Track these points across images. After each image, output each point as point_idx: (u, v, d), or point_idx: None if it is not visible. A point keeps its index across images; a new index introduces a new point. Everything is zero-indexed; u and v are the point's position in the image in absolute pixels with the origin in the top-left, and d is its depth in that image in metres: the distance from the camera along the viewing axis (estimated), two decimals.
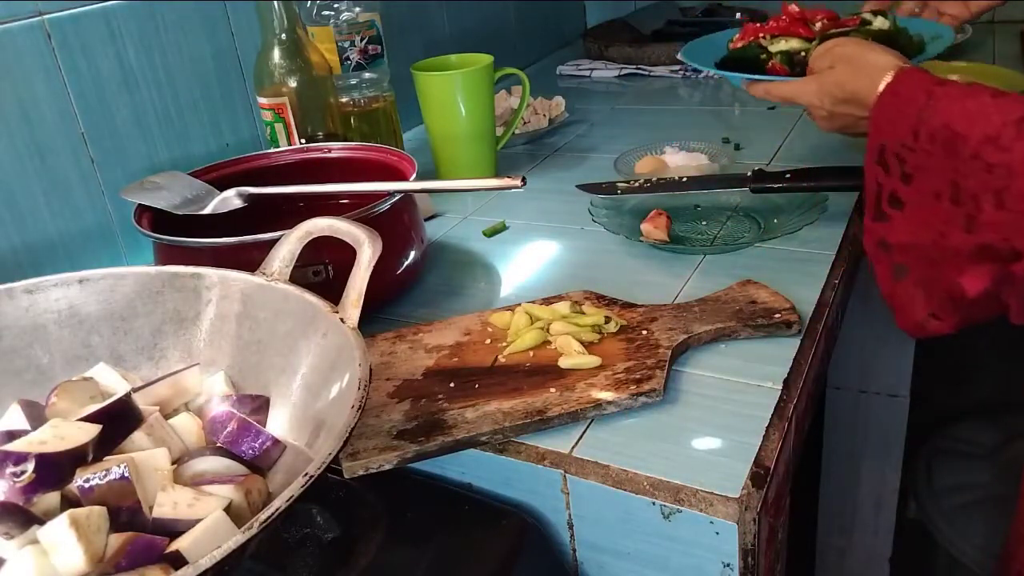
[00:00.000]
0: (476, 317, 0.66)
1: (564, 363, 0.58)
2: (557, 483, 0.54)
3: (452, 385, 0.58)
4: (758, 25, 0.82)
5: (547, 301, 0.67)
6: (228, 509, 0.43)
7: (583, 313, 0.64)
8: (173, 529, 0.42)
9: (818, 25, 0.79)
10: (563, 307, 0.64)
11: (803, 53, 0.77)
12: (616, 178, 0.90)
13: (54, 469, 0.43)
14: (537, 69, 1.52)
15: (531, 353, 0.60)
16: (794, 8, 0.80)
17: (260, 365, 0.55)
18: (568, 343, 0.60)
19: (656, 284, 0.73)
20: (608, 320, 0.62)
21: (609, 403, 0.54)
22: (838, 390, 1.22)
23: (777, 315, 0.62)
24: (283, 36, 0.85)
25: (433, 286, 0.77)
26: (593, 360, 0.58)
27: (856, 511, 1.32)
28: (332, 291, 0.53)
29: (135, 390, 0.51)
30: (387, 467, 0.51)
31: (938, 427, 1.28)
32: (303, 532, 0.52)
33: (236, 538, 0.35)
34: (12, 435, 0.47)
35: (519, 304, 0.67)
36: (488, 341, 0.63)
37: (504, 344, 0.62)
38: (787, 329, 0.62)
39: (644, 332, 0.61)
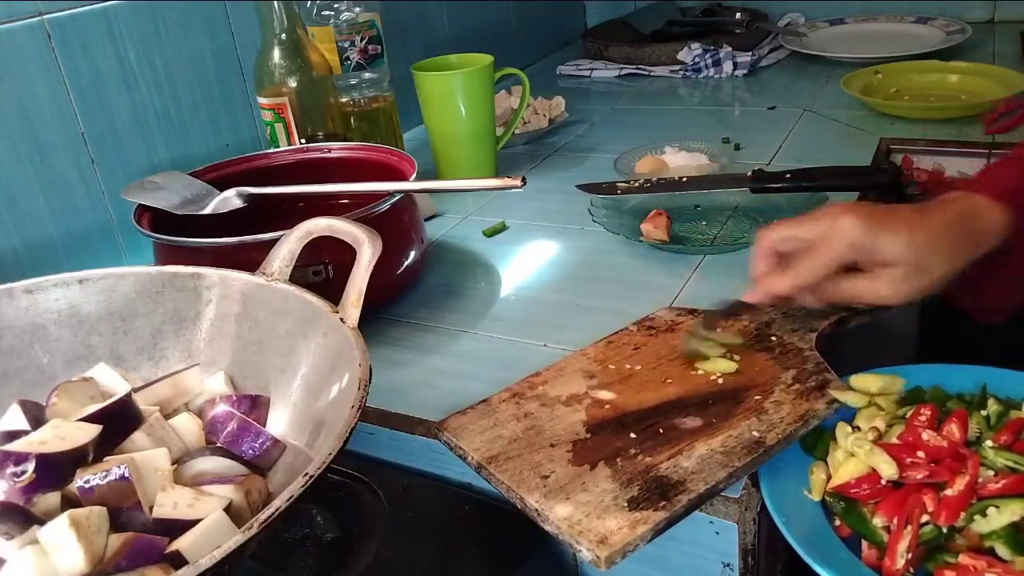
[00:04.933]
0: (579, 356, 0.61)
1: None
2: None
3: (633, 435, 0.52)
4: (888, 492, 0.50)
5: (640, 324, 0.64)
6: (228, 509, 0.43)
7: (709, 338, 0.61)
8: (173, 529, 0.42)
9: None
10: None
11: None
12: (616, 178, 0.90)
13: (54, 469, 0.43)
14: (537, 69, 1.52)
15: (668, 381, 0.57)
16: None
17: (260, 365, 0.55)
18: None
19: (656, 284, 0.73)
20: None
21: (814, 417, 0.52)
22: None
23: None
24: (283, 36, 0.85)
25: (433, 286, 0.77)
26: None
27: None
28: (332, 291, 0.53)
29: (135, 390, 0.51)
30: (643, 545, 0.45)
31: None
32: (303, 532, 0.52)
33: (236, 538, 0.35)
34: (12, 435, 0.47)
35: (610, 339, 0.63)
36: (619, 379, 0.58)
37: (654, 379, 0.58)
38: (887, 310, 0.61)
39: (773, 338, 0.60)
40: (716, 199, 0.85)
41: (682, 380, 0.57)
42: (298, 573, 0.50)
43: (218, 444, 0.50)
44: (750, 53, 1.34)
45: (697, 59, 1.35)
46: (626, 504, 0.47)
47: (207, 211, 0.71)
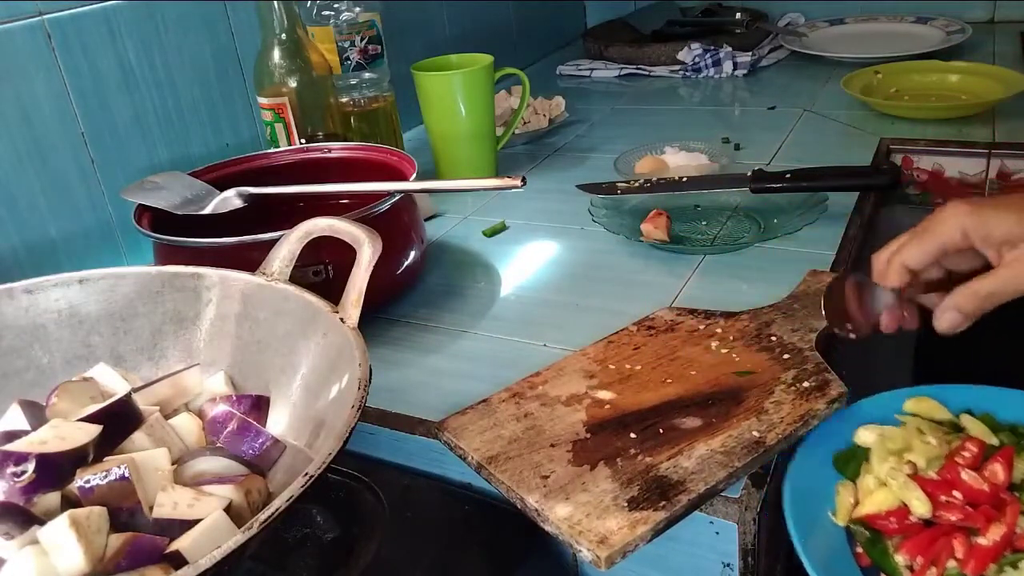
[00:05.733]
0: (579, 356, 0.61)
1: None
2: None
3: (633, 436, 0.52)
4: (918, 529, 0.47)
5: (640, 324, 0.64)
6: (228, 509, 0.43)
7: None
8: (173, 529, 0.42)
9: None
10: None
11: None
12: (616, 178, 0.90)
13: (54, 469, 0.43)
14: (537, 69, 1.52)
15: (668, 382, 0.57)
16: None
17: (260, 365, 0.55)
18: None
19: (656, 284, 0.73)
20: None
21: (814, 418, 0.52)
22: None
23: None
24: (283, 36, 0.85)
25: (433, 286, 0.77)
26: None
27: None
28: (332, 291, 0.53)
29: (135, 390, 0.51)
30: (643, 545, 0.45)
31: None
32: (303, 532, 0.52)
33: (236, 538, 0.35)
34: (12, 435, 0.47)
35: (610, 339, 0.63)
36: (619, 379, 0.58)
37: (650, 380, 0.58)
38: None
39: (773, 338, 0.60)
40: (716, 199, 0.85)
41: (682, 380, 0.57)
42: (298, 573, 0.50)
43: (218, 444, 0.50)
44: (750, 53, 1.34)
45: (697, 59, 1.35)
46: (626, 504, 0.47)
47: (207, 211, 0.71)
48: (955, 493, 0.46)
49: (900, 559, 0.45)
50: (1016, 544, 0.43)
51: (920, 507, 0.46)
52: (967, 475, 0.46)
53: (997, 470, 0.47)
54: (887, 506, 0.47)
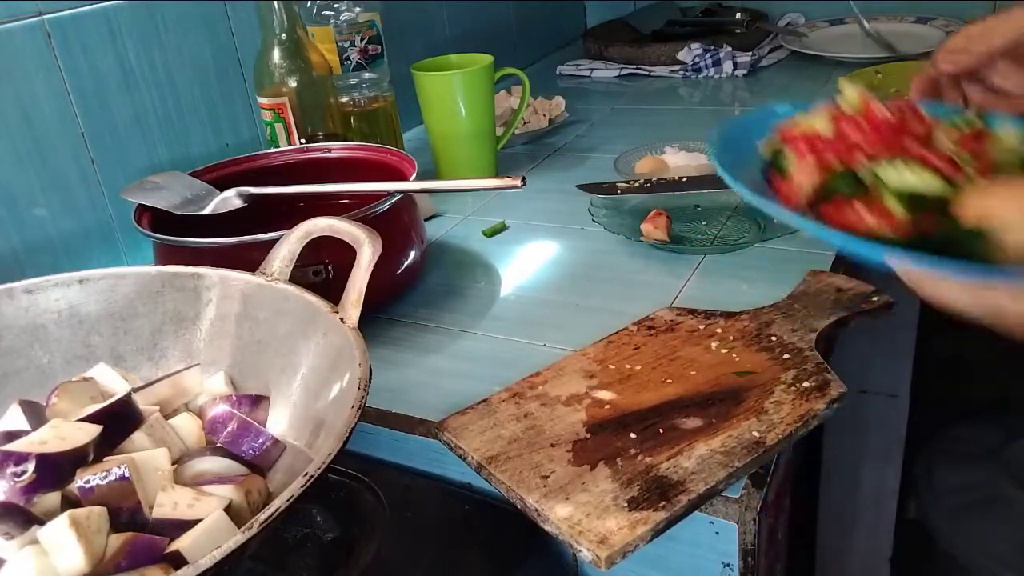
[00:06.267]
0: (579, 356, 0.61)
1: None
2: None
3: (633, 436, 0.52)
4: (814, 137, 0.47)
5: (640, 324, 0.64)
6: (228, 509, 0.43)
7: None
8: (173, 529, 0.42)
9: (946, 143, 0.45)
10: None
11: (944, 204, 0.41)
12: (616, 178, 0.90)
13: (54, 469, 0.43)
14: (537, 69, 1.52)
15: (668, 381, 0.57)
16: (876, 106, 0.47)
17: (260, 365, 0.55)
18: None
19: (656, 284, 0.73)
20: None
21: (814, 418, 0.52)
22: None
23: (875, 298, 0.62)
24: (283, 36, 0.85)
25: (433, 286, 0.77)
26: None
27: (856, 511, 1.32)
28: (332, 291, 0.53)
29: (135, 390, 0.51)
30: (643, 545, 0.45)
31: (938, 427, 1.27)
32: (303, 532, 0.52)
33: (236, 538, 0.35)
34: (12, 435, 0.47)
35: (610, 339, 0.63)
36: (619, 379, 0.58)
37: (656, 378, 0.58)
38: (888, 311, 0.62)
39: (773, 338, 0.60)
40: (716, 199, 0.85)
41: (682, 380, 0.57)
42: (298, 573, 0.50)
43: (218, 444, 0.50)
44: (750, 53, 1.34)
45: (697, 59, 1.35)
46: (626, 504, 0.47)
47: (207, 211, 0.71)
48: (863, 123, 0.46)
49: (793, 157, 0.47)
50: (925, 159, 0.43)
51: (821, 123, 0.47)
52: (881, 110, 0.46)
53: (915, 122, 0.46)
54: (802, 130, 0.49)
